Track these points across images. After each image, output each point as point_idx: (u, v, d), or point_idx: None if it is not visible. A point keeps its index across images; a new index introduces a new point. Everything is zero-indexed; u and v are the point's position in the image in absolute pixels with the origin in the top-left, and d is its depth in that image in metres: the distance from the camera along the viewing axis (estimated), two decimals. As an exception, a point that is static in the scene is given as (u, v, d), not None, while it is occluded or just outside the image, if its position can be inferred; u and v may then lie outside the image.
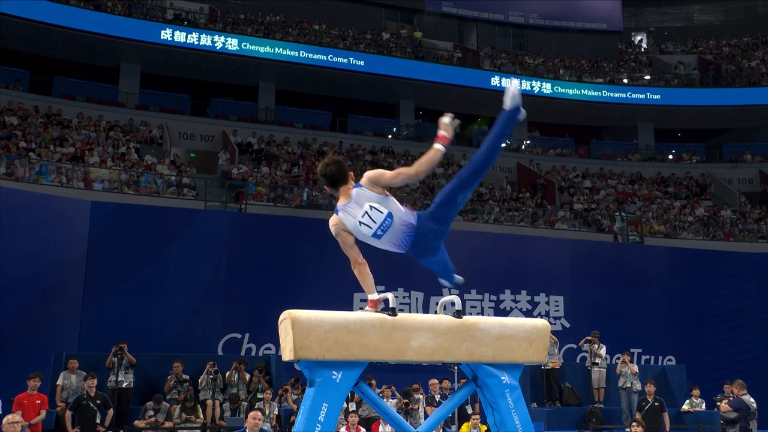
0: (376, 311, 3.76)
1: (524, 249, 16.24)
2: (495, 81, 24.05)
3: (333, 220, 3.85)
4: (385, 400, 8.00)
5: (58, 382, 10.57)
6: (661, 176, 24.33)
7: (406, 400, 10.98)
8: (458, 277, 4.15)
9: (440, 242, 3.88)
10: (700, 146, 26.65)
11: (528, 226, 19.15)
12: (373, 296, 3.79)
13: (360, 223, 3.75)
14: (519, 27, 28.21)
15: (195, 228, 13.83)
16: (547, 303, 15.77)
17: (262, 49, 21.83)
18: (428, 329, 3.69)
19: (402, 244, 3.78)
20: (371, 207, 3.74)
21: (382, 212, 3.74)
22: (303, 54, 22.23)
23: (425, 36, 26.38)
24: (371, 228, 3.74)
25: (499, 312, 15.03)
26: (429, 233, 3.78)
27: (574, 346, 15.00)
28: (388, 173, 3.81)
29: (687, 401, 13.07)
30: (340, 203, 3.84)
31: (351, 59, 22.72)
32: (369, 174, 3.82)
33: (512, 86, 4.02)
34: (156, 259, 13.29)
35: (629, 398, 12.38)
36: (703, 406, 13.12)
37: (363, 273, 3.79)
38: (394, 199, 3.82)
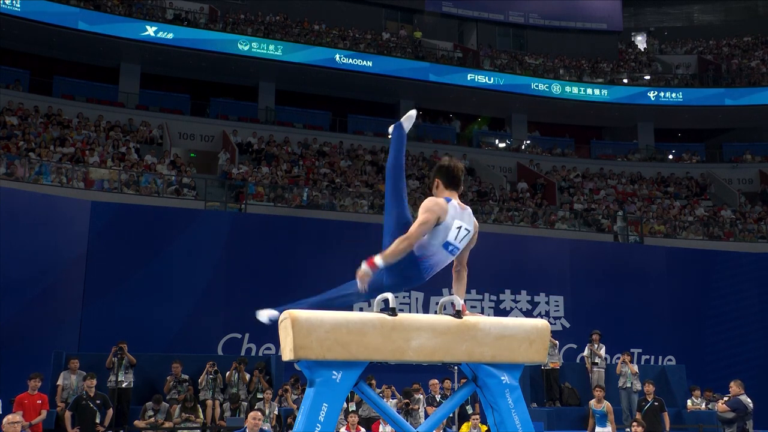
0: (367, 274, 3.57)
1: (524, 249, 16.24)
2: (494, 81, 24.09)
3: (440, 205, 3.70)
4: (385, 400, 8.00)
5: (58, 382, 10.58)
6: (661, 176, 24.34)
7: (407, 400, 10.98)
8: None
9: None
10: (700, 146, 26.66)
11: (528, 226, 19.16)
12: (378, 260, 3.59)
13: (458, 228, 3.74)
14: (519, 27, 28.22)
15: (195, 228, 13.83)
16: (547, 303, 15.77)
17: (262, 49, 21.84)
18: (428, 329, 3.68)
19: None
20: (468, 230, 3.82)
21: (468, 233, 3.82)
22: (303, 54, 22.24)
23: (425, 36, 26.39)
24: (457, 237, 3.75)
25: (499, 312, 15.02)
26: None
27: (575, 346, 15.00)
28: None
29: (689, 400, 13.12)
30: (456, 201, 3.80)
31: (351, 59, 22.73)
32: (478, 227, 3.96)
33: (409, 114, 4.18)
34: (156, 259, 13.28)
35: (629, 398, 12.38)
36: (703, 406, 13.16)
37: (403, 250, 3.60)
38: None
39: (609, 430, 10.55)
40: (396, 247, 3.60)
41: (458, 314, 3.80)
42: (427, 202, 3.70)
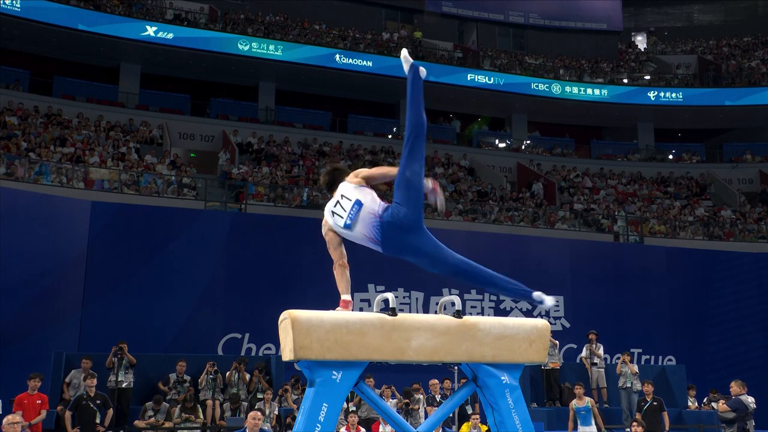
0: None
1: (524, 249, 16.24)
2: (494, 81, 24.10)
3: (323, 221, 3.98)
4: (385, 400, 8.00)
5: (66, 380, 10.64)
6: (661, 176, 24.34)
7: (407, 400, 10.98)
8: (537, 294, 3.71)
9: (416, 234, 3.68)
10: (700, 146, 26.65)
11: (528, 226, 19.15)
12: (346, 297, 3.84)
13: (333, 213, 3.86)
14: (519, 27, 28.21)
15: (195, 228, 13.83)
16: (547, 303, 15.74)
17: (262, 49, 21.84)
18: (428, 329, 3.69)
19: (374, 237, 3.75)
20: (342, 196, 3.85)
21: (350, 200, 3.81)
22: (303, 54, 22.23)
23: (425, 36, 26.39)
24: (342, 217, 3.81)
25: (499, 312, 15.02)
26: (395, 221, 3.67)
27: (575, 346, 15.00)
28: (368, 169, 4.00)
29: (689, 399, 13.15)
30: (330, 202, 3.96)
31: (351, 59, 22.73)
32: (354, 170, 4.00)
33: (402, 53, 4.10)
34: (156, 259, 13.28)
35: (629, 398, 12.38)
36: (695, 405, 13.20)
37: (341, 274, 3.87)
38: (371, 191, 3.85)
39: (593, 428, 10.38)
40: (337, 279, 3.92)
41: (458, 314, 3.80)
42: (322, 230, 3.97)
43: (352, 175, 3.94)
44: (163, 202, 15.88)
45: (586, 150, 26.14)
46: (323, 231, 3.96)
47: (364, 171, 3.95)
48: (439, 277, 13.77)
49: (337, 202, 3.84)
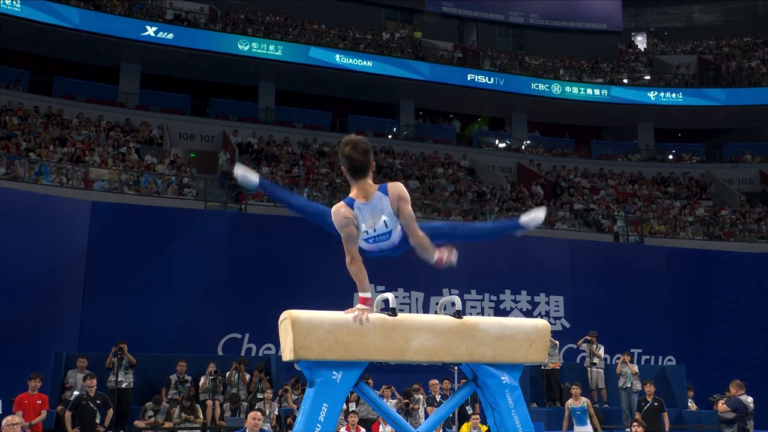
0: (370, 311, 3.60)
1: (524, 249, 16.21)
2: (494, 81, 24.09)
3: (345, 212, 3.61)
4: (385, 400, 8.00)
5: (67, 380, 10.62)
6: (661, 176, 24.34)
7: (407, 401, 10.98)
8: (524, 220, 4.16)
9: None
10: (700, 146, 26.66)
11: (528, 226, 19.12)
12: (367, 294, 3.58)
13: (365, 230, 3.65)
14: (519, 27, 28.22)
15: (195, 228, 13.82)
16: (547, 303, 15.77)
17: (262, 49, 21.84)
18: (428, 329, 3.69)
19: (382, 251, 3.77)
20: (384, 221, 3.63)
21: (387, 227, 3.65)
22: (303, 54, 22.24)
23: (425, 36, 26.39)
24: (368, 234, 3.65)
25: (499, 312, 15.02)
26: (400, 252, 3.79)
27: (574, 346, 15.00)
28: (409, 206, 3.65)
29: (690, 400, 13.16)
30: (357, 199, 3.64)
31: (351, 59, 22.73)
32: (398, 189, 3.64)
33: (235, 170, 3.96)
34: (156, 259, 13.28)
35: (629, 398, 12.38)
36: (694, 406, 13.20)
37: (362, 269, 3.58)
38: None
39: (590, 428, 10.45)
40: (359, 275, 3.57)
41: (458, 314, 3.80)
42: (337, 217, 3.62)
43: (396, 194, 3.62)
44: (163, 202, 15.88)
45: (586, 150, 26.14)
46: (342, 222, 3.58)
47: (406, 206, 3.63)
48: (439, 276, 13.80)
49: (375, 221, 3.64)
